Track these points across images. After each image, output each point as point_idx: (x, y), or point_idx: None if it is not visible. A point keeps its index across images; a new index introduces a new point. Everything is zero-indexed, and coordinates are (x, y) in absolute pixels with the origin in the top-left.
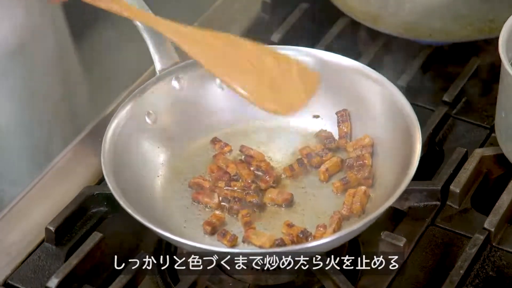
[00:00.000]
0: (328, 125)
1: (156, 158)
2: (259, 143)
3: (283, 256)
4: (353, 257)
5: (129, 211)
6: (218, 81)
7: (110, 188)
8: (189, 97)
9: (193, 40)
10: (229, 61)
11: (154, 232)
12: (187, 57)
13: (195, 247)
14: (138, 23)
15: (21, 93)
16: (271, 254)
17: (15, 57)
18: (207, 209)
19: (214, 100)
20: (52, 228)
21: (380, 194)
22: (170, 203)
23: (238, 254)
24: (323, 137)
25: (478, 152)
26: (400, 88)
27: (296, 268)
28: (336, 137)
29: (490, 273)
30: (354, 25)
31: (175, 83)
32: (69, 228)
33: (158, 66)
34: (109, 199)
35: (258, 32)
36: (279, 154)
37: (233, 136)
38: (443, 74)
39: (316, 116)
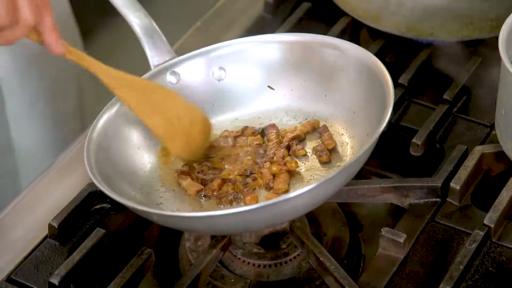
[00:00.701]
0: (286, 98)
1: (148, 149)
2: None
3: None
4: (354, 253)
5: (102, 188)
6: (214, 74)
7: (89, 172)
8: (185, 90)
9: (121, 84)
10: (149, 105)
11: (131, 209)
12: (182, 52)
13: (174, 216)
14: (130, 21)
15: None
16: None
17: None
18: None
19: (210, 93)
20: (55, 224)
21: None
22: (157, 189)
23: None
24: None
25: (478, 150)
26: (401, 86)
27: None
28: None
29: (490, 268)
30: (356, 24)
31: (171, 78)
32: (72, 224)
33: (153, 61)
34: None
35: (260, 31)
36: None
37: (228, 129)
38: (444, 73)
39: (271, 88)
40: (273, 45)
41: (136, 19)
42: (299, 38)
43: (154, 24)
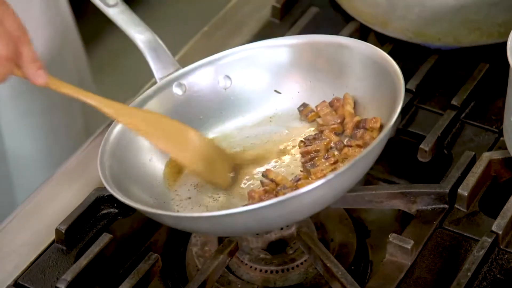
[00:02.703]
0: (293, 101)
1: (160, 158)
2: (265, 142)
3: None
4: (361, 259)
5: (114, 193)
6: (220, 83)
7: (104, 183)
8: (192, 100)
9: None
10: (153, 127)
11: (142, 212)
12: (189, 57)
13: (186, 217)
14: (133, 36)
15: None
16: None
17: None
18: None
19: (217, 102)
20: (62, 229)
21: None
22: (172, 198)
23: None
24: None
25: (486, 156)
26: (409, 92)
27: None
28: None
29: (498, 275)
30: (364, 29)
31: (177, 90)
32: (79, 229)
33: (158, 74)
34: (119, 201)
35: (268, 36)
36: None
37: (237, 136)
38: (452, 78)
39: (278, 92)
40: (277, 49)
41: (138, 34)
42: (303, 40)
43: (157, 38)
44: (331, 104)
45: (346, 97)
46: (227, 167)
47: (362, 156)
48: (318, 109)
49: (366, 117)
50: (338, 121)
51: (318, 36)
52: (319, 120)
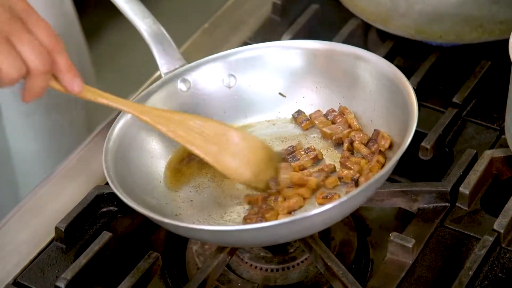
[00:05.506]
0: (297, 105)
1: (162, 158)
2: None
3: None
4: (362, 258)
5: (120, 195)
6: (224, 81)
7: (111, 184)
8: (196, 97)
9: (174, 123)
10: (195, 134)
11: (149, 218)
12: (189, 54)
13: (191, 228)
14: (140, 28)
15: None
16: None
17: None
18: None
19: (221, 100)
20: (62, 227)
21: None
22: (174, 200)
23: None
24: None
25: (488, 154)
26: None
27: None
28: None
29: (500, 274)
30: (365, 26)
31: (181, 85)
32: (78, 227)
33: (163, 69)
34: (119, 199)
35: (268, 33)
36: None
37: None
38: (453, 76)
39: (282, 95)
40: (290, 51)
41: (146, 26)
42: (319, 46)
43: (164, 31)
44: (326, 114)
45: (345, 108)
46: (271, 168)
47: (376, 179)
48: (312, 117)
49: (370, 129)
50: (348, 130)
51: (335, 44)
52: (326, 130)
